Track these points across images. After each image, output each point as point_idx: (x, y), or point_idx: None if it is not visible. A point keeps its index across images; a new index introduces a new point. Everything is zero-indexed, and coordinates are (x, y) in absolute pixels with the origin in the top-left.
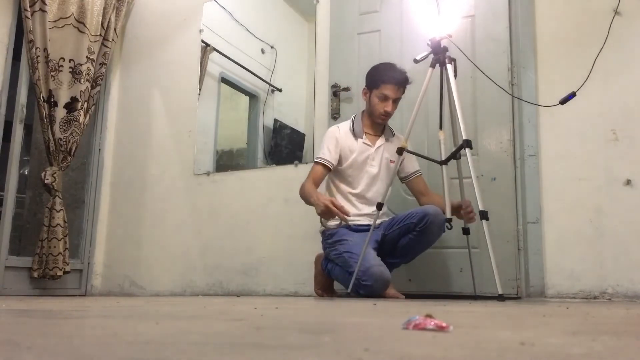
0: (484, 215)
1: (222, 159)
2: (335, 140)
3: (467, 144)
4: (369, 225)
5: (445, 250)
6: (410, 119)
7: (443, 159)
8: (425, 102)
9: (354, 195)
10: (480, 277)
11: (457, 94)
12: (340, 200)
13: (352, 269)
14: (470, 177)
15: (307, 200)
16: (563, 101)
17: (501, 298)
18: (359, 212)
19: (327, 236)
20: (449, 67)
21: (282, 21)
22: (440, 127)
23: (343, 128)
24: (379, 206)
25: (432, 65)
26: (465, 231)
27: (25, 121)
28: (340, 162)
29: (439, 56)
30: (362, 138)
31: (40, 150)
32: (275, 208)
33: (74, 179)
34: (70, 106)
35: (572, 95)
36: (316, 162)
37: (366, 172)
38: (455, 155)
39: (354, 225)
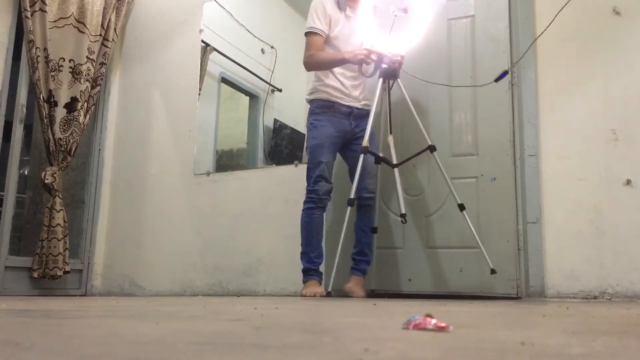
0: (461, 207)
1: (222, 159)
2: (323, 8)
3: (431, 148)
4: (350, 106)
5: (445, 250)
6: (368, 125)
7: (395, 162)
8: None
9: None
10: (481, 277)
11: (410, 102)
12: (328, 75)
13: (312, 164)
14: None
15: (333, 62)
16: (497, 79)
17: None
18: (344, 92)
19: (310, 111)
20: (398, 80)
21: (282, 21)
22: (390, 132)
23: None
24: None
25: (381, 77)
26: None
27: (25, 121)
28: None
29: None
30: (345, 10)
31: (40, 150)
32: (275, 208)
33: (74, 179)
34: (70, 106)
35: (505, 73)
36: (310, 33)
37: (352, 45)
38: (411, 158)
39: (338, 103)
